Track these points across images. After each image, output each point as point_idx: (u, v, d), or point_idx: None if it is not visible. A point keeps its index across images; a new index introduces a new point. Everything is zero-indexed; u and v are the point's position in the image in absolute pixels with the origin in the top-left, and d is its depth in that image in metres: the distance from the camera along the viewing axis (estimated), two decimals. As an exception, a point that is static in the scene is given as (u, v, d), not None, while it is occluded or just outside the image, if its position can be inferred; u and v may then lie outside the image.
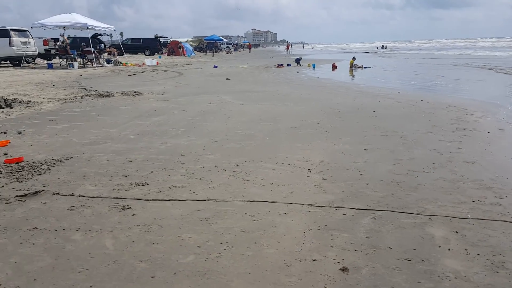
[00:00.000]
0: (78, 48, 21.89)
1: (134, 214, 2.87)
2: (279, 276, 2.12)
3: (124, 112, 6.98)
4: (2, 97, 7.45)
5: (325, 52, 60.85)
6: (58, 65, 20.42)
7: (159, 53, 38.39)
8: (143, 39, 39.90)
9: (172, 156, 4.32)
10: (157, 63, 23.73)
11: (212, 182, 3.52)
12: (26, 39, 20.22)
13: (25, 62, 20.40)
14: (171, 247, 2.42)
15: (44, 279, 2.08)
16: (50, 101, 8.09)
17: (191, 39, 53.36)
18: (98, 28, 20.76)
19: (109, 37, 25.96)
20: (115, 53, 27.30)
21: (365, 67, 20.71)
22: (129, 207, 2.99)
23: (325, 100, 8.51)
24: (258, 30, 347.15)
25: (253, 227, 2.67)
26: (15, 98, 7.92)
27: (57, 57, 21.88)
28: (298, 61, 23.92)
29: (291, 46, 48.32)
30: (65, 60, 20.67)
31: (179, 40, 45.20)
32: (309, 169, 3.83)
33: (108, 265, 2.22)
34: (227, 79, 14.07)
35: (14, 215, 2.83)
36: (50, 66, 19.32)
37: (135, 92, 9.35)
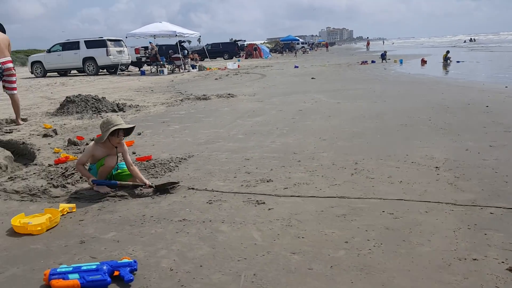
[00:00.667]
0: (166, 55, 23.29)
1: (269, 209, 2.95)
2: (442, 274, 2.05)
3: (225, 113, 7.24)
4: (114, 102, 8.12)
5: (407, 47, 58.15)
6: (149, 71, 21.85)
7: (237, 56, 39.49)
8: (222, 43, 41.31)
9: (285, 154, 4.39)
10: (238, 66, 24.38)
11: (335, 180, 3.51)
12: (121, 48, 21.93)
13: (119, 70, 22.14)
14: (317, 241, 2.45)
15: (209, 266, 2.21)
16: (155, 105, 8.67)
17: (267, 41, 54.07)
18: (186, 35, 21.86)
19: (187, 43, 27.36)
20: (197, 58, 28.65)
21: (457, 62, 19.42)
22: (262, 202, 3.09)
23: (428, 96, 8.12)
24: (333, 28, 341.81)
25: (397, 225, 2.61)
26: (124, 103, 8.58)
27: (146, 64, 23.46)
28: (383, 56, 23.15)
29: (367, 43, 46.62)
30: (155, 66, 22.08)
31: (255, 42, 46.09)
32: (436, 167, 3.66)
33: (263, 255, 2.30)
34: (312, 78, 14.04)
35: (162, 208, 3.06)
36: (142, 73, 20.75)
37: (228, 94, 9.69)
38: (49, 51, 21.53)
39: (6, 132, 6.09)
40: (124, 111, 7.80)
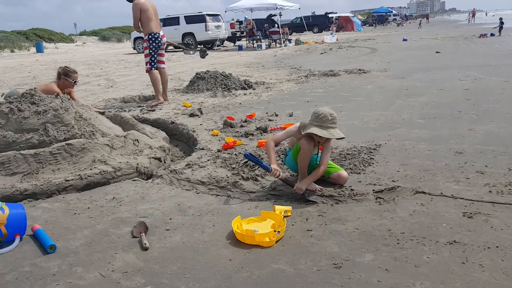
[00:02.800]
0: (259, 29, 22.64)
1: None
2: None
3: (372, 92, 6.38)
4: (244, 81, 7.60)
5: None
6: (245, 47, 21.44)
7: (326, 30, 37.76)
8: (312, 16, 39.78)
9: (507, 147, 3.47)
10: (337, 39, 23.03)
11: None
12: (219, 23, 21.69)
13: (215, 46, 21.99)
14: None
15: None
16: (281, 82, 8.04)
17: (359, 14, 51.18)
18: (286, 7, 20.99)
19: (278, 17, 26.45)
20: (288, 32, 27.68)
21: None
22: (546, 220, 2.26)
23: None
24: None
25: None
26: (247, 80, 8.06)
27: (242, 39, 23.08)
28: (500, 28, 20.35)
29: (473, 14, 41.69)
30: (251, 41, 21.62)
31: (348, 15, 43.70)
32: None
33: None
34: (437, 52, 12.49)
35: (405, 219, 2.36)
36: (240, 48, 20.40)
37: (358, 69, 8.75)
38: (150, 27, 22.01)
39: (150, 110, 5.84)
40: (254, 89, 7.27)
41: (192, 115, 5.33)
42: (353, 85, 7.09)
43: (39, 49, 28.35)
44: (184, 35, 20.88)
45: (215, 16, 21.73)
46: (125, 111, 5.89)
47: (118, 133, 4.32)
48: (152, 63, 6.34)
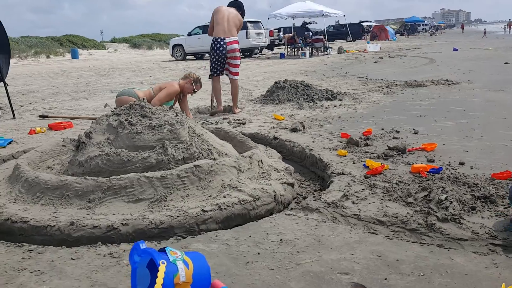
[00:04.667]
0: (296, 37, 21.99)
1: None
2: None
3: (487, 107, 5.55)
4: (325, 90, 6.95)
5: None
6: (288, 55, 20.85)
7: (360, 38, 36.96)
8: (346, 25, 38.93)
9: None
10: (380, 48, 22.24)
11: None
12: (260, 31, 21.21)
13: (254, 54, 21.48)
14: None
15: None
16: (364, 93, 7.36)
17: (391, 23, 50.22)
18: (331, 15, 20.38)
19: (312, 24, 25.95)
20: (323, 40, 26.98)
21: None
22: None
23: None
24: (448, 10, 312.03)
25: None
26: (328, 90, 7.40)
27: (283, 46, 22.49)
28: None
29: (509, 25, 40.01)
30: (293, 49, 21.03)
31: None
32: None
33: None
34: (506, 63, 11.58)
35: None
36: (282, 56, 19.82)
37: (446, 80, 7.99)
38: (189, 34, 21.69)
39: (239, 124, 5.25)
40: (340, 100, 6.61)
41: (294, 130, 4.71)
42: (454, 97, 6.35)
43: (75, 55, 28.45)
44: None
45: (256, 23, 21.28)
46: (211, 123, 5.32)
47: (232, 151, 3.74)
48: (211, 70, 5.88)
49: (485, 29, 42.94)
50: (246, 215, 2.77)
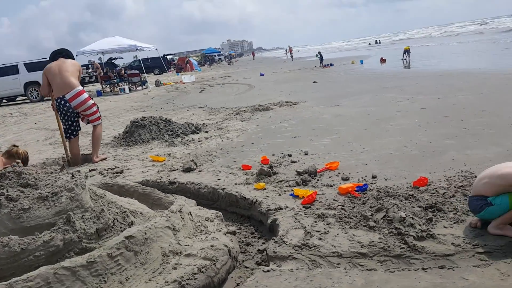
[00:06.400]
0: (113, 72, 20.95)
1: None
2: None
3: (340, 122, 6.12)
4: (187, 124, 6.63)
5: (309, 52, 60.78)
6: (103, 92, 19.41)
7: (167, 71, 37.55)
8: (151, 58, 38.87)
9: None
10: (195, 79, 22.89)
11: None
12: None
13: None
14: None
15: None
16: (221, 122, 7.32)
17: (194, 55, 52.65)
18: (144, 48, 19.94)
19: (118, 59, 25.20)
20: (139, 74, 26.32)
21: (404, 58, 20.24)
22: None
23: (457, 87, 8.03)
24: (234, 41, 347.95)
25: None
26: (195, 123, 7.05)
27: (97, 83, 20.91)
28: (321, 60, 23.23)
29: (290, 50, 46.98)
30: (108, 85, 19.74)
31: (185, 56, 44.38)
32: None
33: None
34: (314, 82, 13.38)
35: None
36: (99, 94, 18.32)
37: (286, 102, 8.63)
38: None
39: (116, 173, 4.47)
40: (206, 131, 6.38)
41: (188, 169, 4.28)
42: (306, 116, 6.90)
43: None
44: (27, 85, 17.68)
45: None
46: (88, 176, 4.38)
47: (145, 208, 3.12)
48: (65, 133, 5.29)
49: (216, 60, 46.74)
50: (210, 285, 2.31)
